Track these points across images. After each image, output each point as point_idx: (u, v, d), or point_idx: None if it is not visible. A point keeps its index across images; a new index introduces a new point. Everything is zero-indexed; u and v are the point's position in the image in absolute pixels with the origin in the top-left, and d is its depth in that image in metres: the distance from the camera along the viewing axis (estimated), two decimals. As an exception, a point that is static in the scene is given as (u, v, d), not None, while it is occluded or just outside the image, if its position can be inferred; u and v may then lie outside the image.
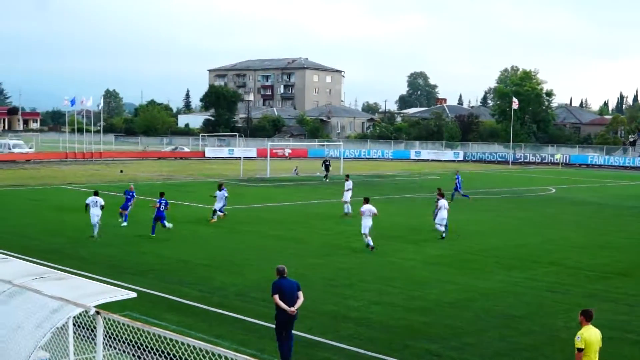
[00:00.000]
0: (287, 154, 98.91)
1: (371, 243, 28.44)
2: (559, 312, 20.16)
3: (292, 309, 15.32)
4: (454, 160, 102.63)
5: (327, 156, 71.51)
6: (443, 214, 32.04)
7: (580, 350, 12.39)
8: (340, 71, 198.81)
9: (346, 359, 15.91)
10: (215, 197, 36.40)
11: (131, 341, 11.04)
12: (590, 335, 12.46)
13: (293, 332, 15.72)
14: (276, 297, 15.38)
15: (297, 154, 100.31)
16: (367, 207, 29.06)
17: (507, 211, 43.09)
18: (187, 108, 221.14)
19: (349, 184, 40.19)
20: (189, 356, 9.83)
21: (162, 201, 31.97)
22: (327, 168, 65.04)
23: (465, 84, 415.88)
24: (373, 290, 22.12)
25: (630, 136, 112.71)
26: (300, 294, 15.65)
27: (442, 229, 32.14)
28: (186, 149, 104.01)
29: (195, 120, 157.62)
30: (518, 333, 18.07)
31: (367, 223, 28.69)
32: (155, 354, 11.07)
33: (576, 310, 20.02)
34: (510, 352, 16.62)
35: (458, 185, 47.23)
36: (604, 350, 16.63)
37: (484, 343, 17.17)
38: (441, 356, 16.18)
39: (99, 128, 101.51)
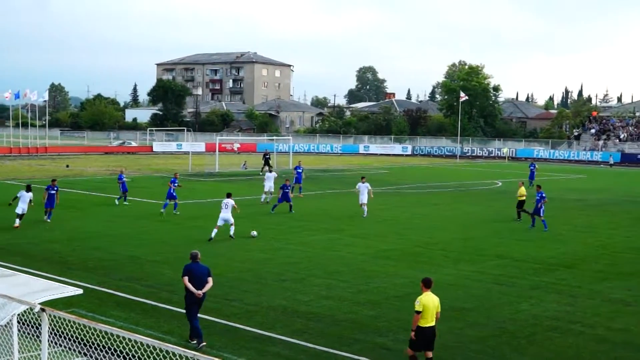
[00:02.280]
0: (236, 149, 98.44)
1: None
2: (506, 304, 20.43)
3: (199, 291, 16.07)
4: (402, 155, 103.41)
5: (267, 150, 71.33)
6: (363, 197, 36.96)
7: (418, 312, 14.24)
8: (289, 65, 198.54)
9: (296, 353, 15.91)
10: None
11: (77, 338, 10.95)
12: (427, 301, 14.29)
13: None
14: (185, 279, 16.28)
15: (246, 148, 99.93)
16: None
17: (454, 205, 43.48)
18: (135, 102, 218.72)
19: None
20: (136, 352, 9.74)
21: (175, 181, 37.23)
22: (267, 162, 64.86)
23: (413, 79, 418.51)
24: (322, 284, 22.17)
25: (574, 130, 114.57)
26: (210, 279, 16.42)
27: (364, 208, 36.88)
28: (134, 144, 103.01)
29: (143, 115, 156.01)
30: (466, 325, 18.26)
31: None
32: (102, 351, 11.03)
33: (522, 302, 20.51)
34: (458, 344, 16.78)
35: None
36: (549, 341, 17.01)
37: (432, 336, 17.27)
38: (390, 349, 16.29)
39: (44, 122, 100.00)
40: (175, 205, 36.80)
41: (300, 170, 46.68)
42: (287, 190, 37.96)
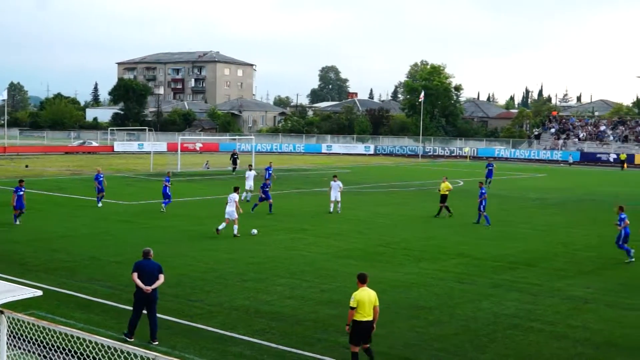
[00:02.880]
0: (198, 148, 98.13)
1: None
2: (467, 302, 20.58)
3: (147, 287, 16.21)
4: (365, 154, 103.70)
5: (235, 149, 71.29)
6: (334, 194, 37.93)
7: (352, 308, 14.47)
8: (252, 65, 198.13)
9: (258, 353, 15.87)
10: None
11: (37, 340, 10.87)
12: (362, 296, 14.51)
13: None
14: (134, 275, 16.47)
15: (208, 148, 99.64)
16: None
17: (416, 204, 43.68)
18: (96, 102, 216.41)
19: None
20: (97, 354, 9.66)
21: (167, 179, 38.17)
22: (234, 161, 64.87)
23: (376, 79, 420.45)
24: (285, 284, 22.16)
25: (535, 130, 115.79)
26: (161, 276, 16.56)
27: (332, 205, 37.98)
28: (94, 144, 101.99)
29: (104, 114, 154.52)
30: (427, 323, 18.36)
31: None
32: (62, 353, 10.87)
33: (483, 300, 20.69)
34: (420, 342, 16.85)
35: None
36: (510, 339, 17.17)
37: (394, 334, 17.38)
38: None
39: (2, 122, 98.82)
40: (166, 203, 37.87)
41: (270, 171, 46.67)
42: (267, 189, 38.00)
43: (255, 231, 31.05)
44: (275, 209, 38.63)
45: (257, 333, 17.17)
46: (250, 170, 44.45)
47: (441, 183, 38.79)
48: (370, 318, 14.60)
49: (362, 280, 14.86)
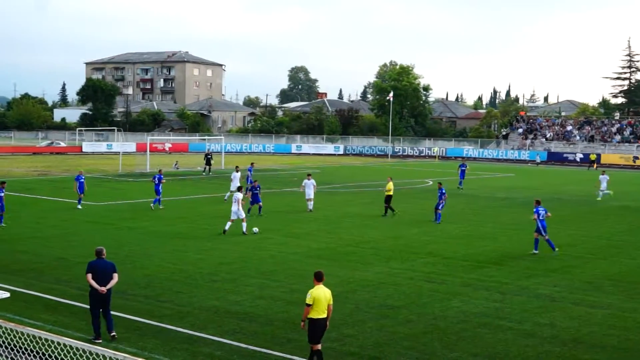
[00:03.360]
0: (167, 149, 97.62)
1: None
2: (436, 301, 20.69)
3: (102, 288, 16.26)
4: (334, 154, 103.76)
5: (208, 150, 71.11)
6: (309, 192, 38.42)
7: (308, 305, 14.61)
8: (221, 65, 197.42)
9: (229, 353, 15.86)
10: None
11: (4, 342, 10.79)
12: (318, 294, 14.64)
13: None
14: (88, 276, 16.47)
15: (177, 148, 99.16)
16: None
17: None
18: (64, 102, 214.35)
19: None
20: (66, 356, 9.62)
21: (159, 177, 38.97)
22: (208, 162, 64.77)
23: (345, 79, 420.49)
24: (255, 284, 22.13)
25: (503, 130, 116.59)
26: (115, 275, 16.65)
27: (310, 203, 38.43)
28: (62, 144, 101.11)
29: (72, 115, 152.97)
30: (397, 323, 18.41)
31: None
32: (29, 355, 10.89)
33: (452, 299, 20.82)
34: (390, 341, 16.90)
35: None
36: (479, 337, 17.29)
37: (364, 334, 17.43)
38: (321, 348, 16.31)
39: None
40: (156, 200, 38.88)
41: (252, 172, 46.72)
42: (257, 192, 37.68)
43: (256, 230, 31.65)
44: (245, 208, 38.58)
45: (227, 333, 17.14)
46: (237, 171, 44.51)
47: (386, 184, 38.99)
48: (324, 315, 14.71)
49: (318, 278, 15.01)
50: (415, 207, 41.93)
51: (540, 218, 28.52)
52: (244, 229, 31.24)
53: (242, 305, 19.69)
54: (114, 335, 16.39)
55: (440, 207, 36.20)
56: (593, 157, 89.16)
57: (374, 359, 15.84)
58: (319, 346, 14.75)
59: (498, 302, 20.64)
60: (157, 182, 39.10)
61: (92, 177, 57.39)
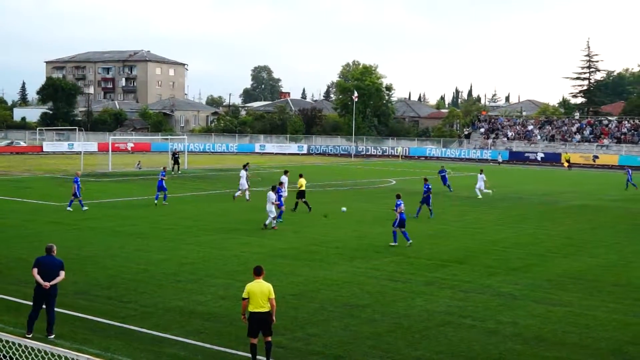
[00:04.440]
0: (129, 148, 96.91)
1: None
2: (400, 300, 20.77)
3: (46, 283, 16.39)
4: (298, 154, 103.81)
5: (176, 149, 70.80)
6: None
7: (243, 299, 15.13)
8: (184, 64, 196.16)
9: (193, 353, 15.80)
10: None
11: None
12: (253, 288, 15.05)
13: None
14: (34, 271, 16.65)
15: (140, 147, 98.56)
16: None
17: (349, 203, 43.66)
18: (23, 101, 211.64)
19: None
20: (27, 357, 9.53)
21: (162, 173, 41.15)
22: (176, 161, 64.53)
23: (308, 78, 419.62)
24: (219, 284, 22.07)
25: (465, 129, 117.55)
26: (62, 273, 16.79)
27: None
28: (23, 144, 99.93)
29: (32, 114, 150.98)
30: (361, 322, 18.46)
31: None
32: None
33: (416, 298, 20.93)
34: (354, 340, 16.94)
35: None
36: (442, 335, 17.42)
37: (328, 333, 17.46)
38: (286, 347, 16.32)
39: None
40: (165, 196, 40.74)
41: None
42: (281, 194, 36.62)
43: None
44: (207, 208, 38.56)
45: (191, 333, 17.08)
46: (245, 169, 45.14)
47: (299, 180, 40.10)
48: (263, 310, 14.98)
49: (256, 272, 15.31)
50: (379, 207, 42.00)
51: (402, 211, 29.44)
52: (267, 222, 32.76)
53: (206, 306, 19.63)
54: (50, 337, 16.31)
55: (427, 203, 37.83)
56: (567, 156, 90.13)
57: (339, 358, 15.83)
58: (269, 338, 15.11)
59: (461, 301, 20.77)
60: (160, 177, 41.24)
61: (53, 177, 56.87)
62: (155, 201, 40.53)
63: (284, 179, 39.21)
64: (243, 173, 44.58)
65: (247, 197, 43.58)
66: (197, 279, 22.71)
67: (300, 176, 40.43)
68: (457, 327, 18.22)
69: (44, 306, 16.65)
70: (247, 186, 44.14)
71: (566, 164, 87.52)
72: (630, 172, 60.50)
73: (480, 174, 48.90)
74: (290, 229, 33.13)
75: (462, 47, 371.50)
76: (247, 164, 49.96)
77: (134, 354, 15.58)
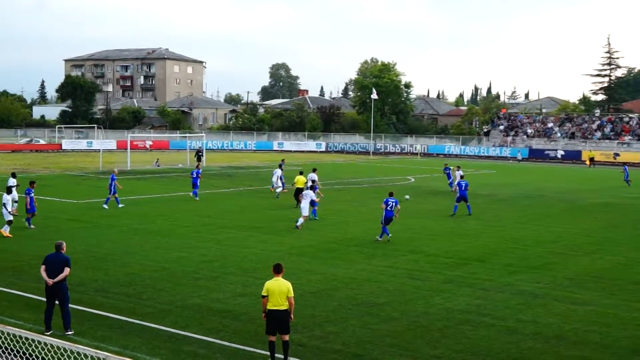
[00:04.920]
0: (148, 146, 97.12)
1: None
2: (419, 298, 20.66)
3: (50, 280, 16.52)
4: (316, 151, 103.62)
5: (200, 147, 71.05)
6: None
7: (263, 296, 15.16)
8: (202, 62, 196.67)
9: (211, 351, 15.76)
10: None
11: None
12: (272, 286, 15.08)
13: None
14: (42, 268, 16.87)
15: (158, 145, 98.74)
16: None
17: (368, 201, 43.71)
18: (43, 99, 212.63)
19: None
20: (47, 355, 9.51)
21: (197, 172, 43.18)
22: (199, 159, 64.67)
23: (326, 76, 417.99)
24: (237, 282, 22.04)
25: (484, 126, 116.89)
26: (67, 269, 16.77)
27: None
28: (42, 142, 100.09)
29: (52, 112, 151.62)
30: (380, 320, 18.36)
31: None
32: (10, 354, 10.80)
33: (435, 296, 20.79)
34: (373, 339, 16.84)
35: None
36: (461, 334, 17.29)
37: (347, 331, 17.36)
38: (305, 346, 16.25)
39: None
40: (195, 192, 42.62)
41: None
42: (316, 190, 37.59)
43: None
44: (226, 206, 38.59)
45: (210, 331, 17.05)
46: (280, 167, 45.61)
47: (297, 177, 40.58)
48: (281, 307, 15.00)
49: (275, 270, 15.38)
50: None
51: (388, 208, 29.57)
52: (298, 223, 32.51)
53: (225, 303, 19.60)
54: (68, 334, 16.36)
55: (465, 200, 38.14)
56: (591, 154, 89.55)
57: (357, 356, 15.75)
58: (287, 337, 15.08)
59: (481, 299, 20.62)
60: (195, 176, 42.87)
61: (72, 175, 57.08)
62: (197, 198, 42.09)
63: (314, 176, 39.96)
64: (278, 171, 44.66)
65: (277, 195, 43.77)
66: (216, 277, 22.70)
67: (300, 173, 41.08)
68: (477, 325, 18.07)
69: (57, 302, 16.73)
70: (280, 184, 44.37)
71: (588, 162, 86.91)
72: (626, 169, 60.63)
73: (458, 170, 48.24)
74: (308, 227, 33.00)
75: (482, 44, 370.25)
76: (283, 160, 50.33)
77: (153, 351, 15.58)
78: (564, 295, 21.33)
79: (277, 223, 34.07)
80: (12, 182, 33.33)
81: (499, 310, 19.47)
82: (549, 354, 16.14)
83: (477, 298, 20.78)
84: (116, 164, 67.73)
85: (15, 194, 31.22)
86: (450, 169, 54.59)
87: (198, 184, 42.89)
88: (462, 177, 40.85)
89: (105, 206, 37.74)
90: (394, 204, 29.84)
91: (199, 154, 65.85)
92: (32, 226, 31.29)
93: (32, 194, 31.54)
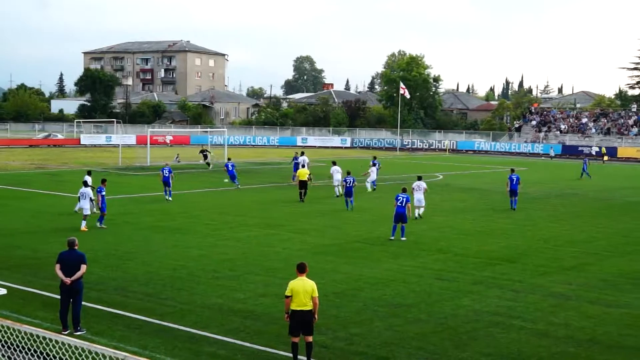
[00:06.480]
0: (168, 141, 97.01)
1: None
2: (447, 299, 20.25)
3: (67, 279, 16.29)
4: (341, 147, 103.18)
5: (204, 144, 70.97)
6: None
7: (287, 297, 14.86)
8: (224, 54, 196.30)
9: (232, 352, 15.53)
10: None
11: (0, 340, 10.59)
12: (296, 285, 14.79)
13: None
14: (56, 266, 16.61)
15: (179, 140, 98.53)
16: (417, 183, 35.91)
17: (393, 198, 43.16)
18: (61, 93, 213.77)
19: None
20: (64, 354, 9.46)
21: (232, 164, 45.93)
22: (205, 157, 64.03)
23: (352, 69, 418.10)
24: (259, 281, 21.72)
25: (515, 122, 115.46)
26: (83, 266, 16.57)
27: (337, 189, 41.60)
28: (60, 136, 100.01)
29: (70, 106, 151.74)
30: (406, 322, 18.01)
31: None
32: (27, 353, 10.64)
33: (463, 297, 20.35)
34: (399, 341, 16.52)
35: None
36: (491, 337, 16.87)
37: (372, 333, 17.06)
38: (329, 347, 15.98)
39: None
40: (235, 181, 46.31)
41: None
42: (351, 187, 38.17)
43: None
44: (248, 203, 38.40)
45: (230, 332, 16.81)
46: (334, 164, 44.99)
47: (300, 169, 42.54)
48: (305, 308, 14.74)
49: (299, 269, 15.12)
50: (425, 202, 41.35)
51: (399, 204, 29.31)
52: (419, 213, 34.67)
53: (246, 303, 19.28)
54: (77, 333, 16.17)
55: (515, 195, 39.18)
56: (603, 150, 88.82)
57: (382, 359, 15.48)
58: (310, 338, 14.80)
59: (511, 301, 20.16)
60: (230, 168, 46.29)
61: (92, 170, 56.92)
62: (236, 185, 45.49)
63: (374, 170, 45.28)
64: (337, 168, 44.17)
65: (337, 193, 43.23)
66: (237, 276, 22.37)
67: (303, 166, 42.20)
68: (506, 328, 17.69)
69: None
70: (339, 182, 43.67)
71: (606, 157, 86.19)
72: (587, 161, 61.48)
73: (374, 165, 47.36)
74: (332, 225, 32.67)
75: (513, 36, 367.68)
76: (297, 153, 50.46)
77: (172, 352, 15.41)
78: (598, 298, 20.83)
79: (300, 221, 33.72)
80: (89, 179, 32.87)
81: (529, 313, 19.05)
82: (582, 358, 15.80)
83: (507, 300, 20.33)
84: (136, 159, 67.90)
85: (90, 191, 30.87)
86: (379, 163, 53.11)
87: (236, 175, 46.41)
88: (512, 170, 41.17)
89: (169, 198, 39.50)
90: (405, 199, 29.33)
91: (204, 153, 65.02)
92: (103, 226, 30.56)
93: (104, 193, 30.95)
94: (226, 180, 47.34)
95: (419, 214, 35.01)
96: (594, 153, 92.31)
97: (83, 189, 30.73)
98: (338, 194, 42.61)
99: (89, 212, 30.23)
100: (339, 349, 15.86)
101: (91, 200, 30.70)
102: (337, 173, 43.48)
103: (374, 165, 47.86)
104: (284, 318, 15.28)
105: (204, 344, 16.02)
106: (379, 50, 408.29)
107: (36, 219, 32.67)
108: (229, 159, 49.67)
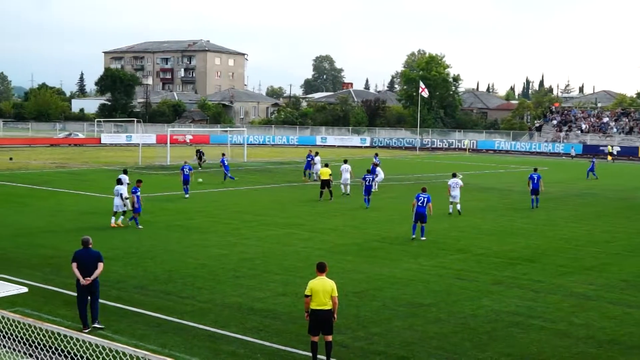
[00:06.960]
0: (188, 140, 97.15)
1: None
2: (467, 299, 20.14)
3: (85, 280, 16.34)
4: (360, 146, 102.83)
5: (199, 148, 70.70)
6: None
7: (306, 296, 14.79)
8: (243, 54, 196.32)
9: (252, 351, 15.50)
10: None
11: (22, 338, 10.54)
12: (315, 285, 14.73)
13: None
14: (73, 265, 16.59)
15: (199, 140, 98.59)
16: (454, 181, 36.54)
17: (413, 198, 43.02)
18: (82, 92, 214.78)
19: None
20: (85, 352, 9.48)
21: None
22: (200, 157, 63.59)
23: (371, 69, 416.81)
24: (278, 280, 21.70)
25: (536, 121, 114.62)
26: (100, 265, 16.63)
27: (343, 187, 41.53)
28: (81, 135, 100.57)
29: (91, 105, 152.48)
30: (426, 321, 17.95)
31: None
32: (48, 351, 10.67)
33: (483, 297, 20.26)
34: (418, 340, 16.46)
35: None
36: (511, 337, 16.78)
37: (391, 332, 17.02)
38: (348, 347, 15.95)
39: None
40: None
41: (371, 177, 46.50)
42: (371, 186, 39.11)
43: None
44: (268, 202, 38.36)
45: (250, 331, 16.80)
46: (345, 163, 45.18)
47: (321, 169, 42.40)
48: (325, 307, 14.71)
49: (319, 269, 15.06)
50: (445, 202, 41.12)
51: (419, 204, 29.17)
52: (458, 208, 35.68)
53: (265, 302, 19.27)
54: (96, 327, 16.32)
55: (537, 193, 39.55)
56: (609, 149, 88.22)
57: (402, 358, 15.43)
58: (330, 338, 14.78)
59: (531, 301, 20.03)
60: (225, 164, 49.61)
61: (111, 169, 57.22)
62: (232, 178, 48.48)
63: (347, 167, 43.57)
64: (347, 167, 44.23)
65: (348, 191, 43.41)
66: (256, 275, 22.35)
67: (326, 165, 41.97)
68: (527, 328, 17.59)
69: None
70: (349, 181, 43.82)
71: (610, 157, 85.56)
72: (594, 161, 61.29)
73: (345, 163, 46.84)
74: (351, 225, 32.60)
75: (534, 35, 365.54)
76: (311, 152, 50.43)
77: (192, 350, 15.42)
78: (619, 298, 20.65)
79: (320, 220, 33.67)
80: (125, 178, 32.98)
81: (550, 313, 18.92)
82: (603, 359, 15.61)
83: (527, 300, 20.19)
84: (156, 158, 68.03)
85: (121, 188, 30.94)
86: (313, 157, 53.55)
87: (229, 167, 49.32)
88: (535, 170, 41.28)
89: (187, 195, 40.24)
90: (425, 199, 29.23)
91: (199, 154, 64.40)
92: (139, 226, 30.41)
93: (139, 193, 30.81)
94: (200, 180, 47.41)
95: (458, 210, 36.07)
96: (615, 153, 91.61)
97: (116, 187, 30.99)
98: (344, 191, 43.14)
99: (120, 210, 30.52)
100: (359, 349, 15.82)
101: (122, 197, 30.63)
102: (345, 172, 43.57)
103: (377, 165, 47.77)
104: (304, 317, 15.25)
105: (223, 342, 16.02)
106: (398, 49, 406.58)
107: (57, 217, 32.81)
108: (223, 154, 52.11)
